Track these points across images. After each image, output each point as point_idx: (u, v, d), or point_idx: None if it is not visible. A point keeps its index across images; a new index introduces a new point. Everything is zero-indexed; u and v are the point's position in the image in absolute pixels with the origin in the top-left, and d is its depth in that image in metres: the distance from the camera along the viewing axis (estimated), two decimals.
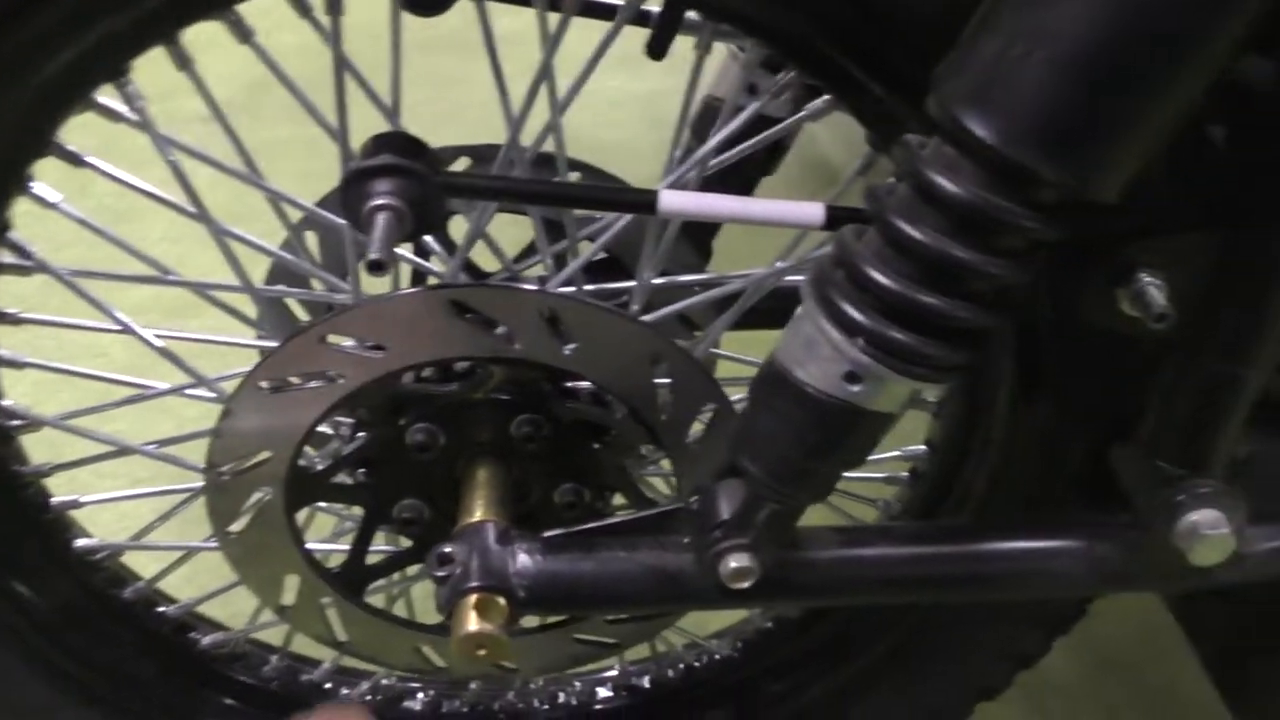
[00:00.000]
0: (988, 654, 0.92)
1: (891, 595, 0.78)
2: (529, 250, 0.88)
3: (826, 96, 0.73)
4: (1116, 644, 1.18)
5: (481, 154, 0.86)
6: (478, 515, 0.76)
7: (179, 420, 0.93)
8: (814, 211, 0.66)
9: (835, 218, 0.66)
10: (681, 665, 1.00)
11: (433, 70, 2.12)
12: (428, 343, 0.72)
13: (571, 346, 0.73)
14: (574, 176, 0.88)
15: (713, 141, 0.73)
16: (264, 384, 0.74)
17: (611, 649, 0.90)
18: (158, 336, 0.79)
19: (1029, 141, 0.54)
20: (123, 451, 0.85)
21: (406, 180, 0.62)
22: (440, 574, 0.72)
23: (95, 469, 0.88)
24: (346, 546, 0.86)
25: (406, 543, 0.86)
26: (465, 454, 0.81)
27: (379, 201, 0.62)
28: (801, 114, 0.74)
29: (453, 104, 2.15)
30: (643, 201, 0.65)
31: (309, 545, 0.85)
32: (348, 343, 0.72)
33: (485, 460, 0.80)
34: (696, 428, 0.79)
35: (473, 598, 0.70)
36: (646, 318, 0.77)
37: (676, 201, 0.65)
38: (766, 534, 0.68)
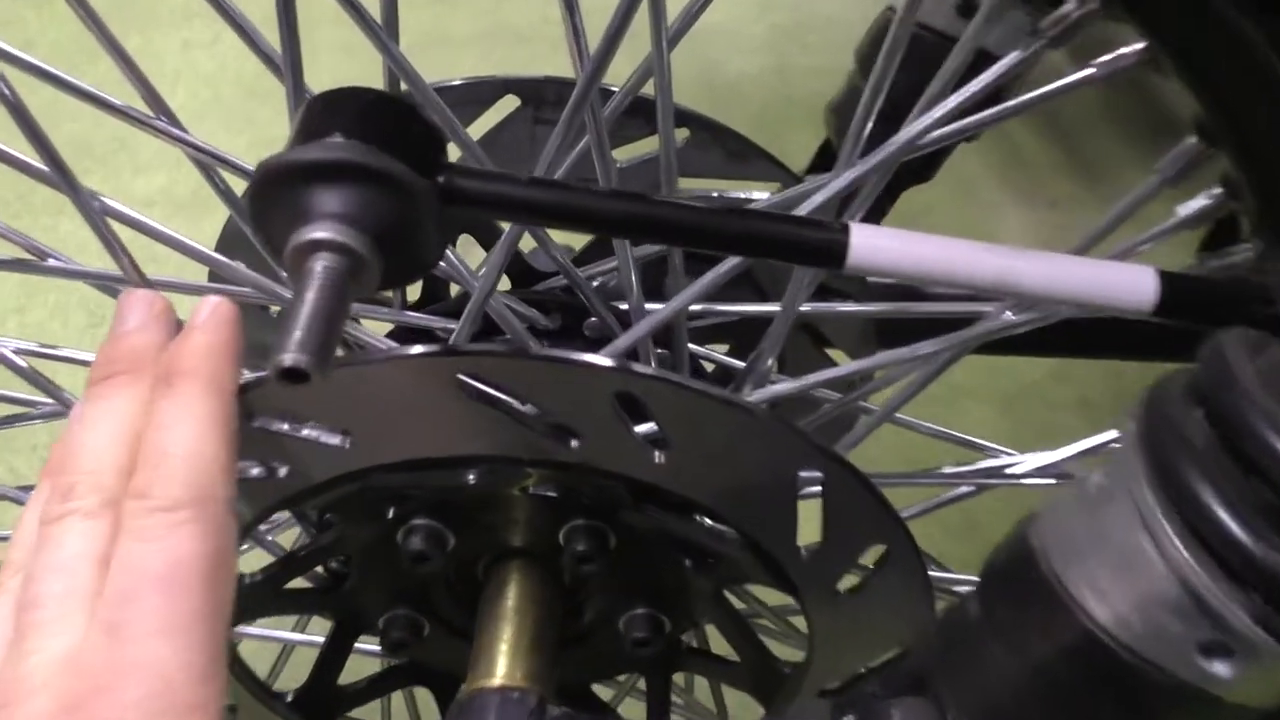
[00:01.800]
0: None
1: None
2: (598, 243, 0.58)
3: (1140, 46, 0.41)
4: None
5: (537, 93, 0.54)
6: (499, 674, 0.49)
7: None
8: (1142, 283, 0.35)
9: (1177, 295, 0.35)
10: None
11: None
12: (424, 434, 0.43)
13: (661, 446, 0.43)
14: (681, 138, 0.56)
15: (942, 108, 0.41)
16: None
17: None
18: (19, 353, 0.51)
19: None
20: None
21: (375, 193, 0.32)
22: None
23: None
24: (306, 638, 0.60)
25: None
26: (488, 555, 0.53)
27: (315, 235, 0.32)
28: (1090, 70, 0.42)
29: None
30: (822, 247, 0.34)
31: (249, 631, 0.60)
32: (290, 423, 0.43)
33: (517, 570, 0.53)
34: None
35: None
36: (781, 390, 0.48)
37: (878, 249, 0.34)
38: None
